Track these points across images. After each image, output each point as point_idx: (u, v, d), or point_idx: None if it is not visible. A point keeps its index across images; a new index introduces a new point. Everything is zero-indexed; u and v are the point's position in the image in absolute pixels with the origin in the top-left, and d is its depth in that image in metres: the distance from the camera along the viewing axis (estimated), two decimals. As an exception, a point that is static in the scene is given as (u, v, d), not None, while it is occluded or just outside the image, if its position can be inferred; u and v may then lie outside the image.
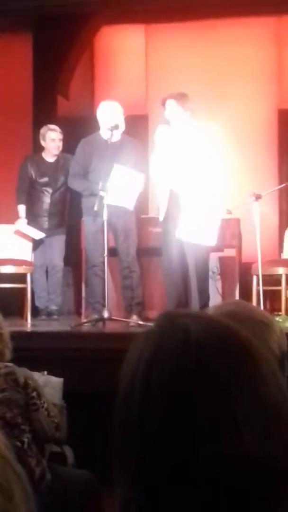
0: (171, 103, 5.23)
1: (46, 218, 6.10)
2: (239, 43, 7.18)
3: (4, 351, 2.86)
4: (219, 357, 0.82)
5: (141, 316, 5.49)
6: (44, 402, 2.83)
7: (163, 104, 5.27)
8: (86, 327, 5.33)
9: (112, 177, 5.15)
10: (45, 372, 3.59)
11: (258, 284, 5.32)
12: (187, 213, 5.05)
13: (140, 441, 0.81)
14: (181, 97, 5.24)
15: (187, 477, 0.78)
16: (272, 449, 0.79)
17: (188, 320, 0.84)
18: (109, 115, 5.48)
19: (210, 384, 0.80)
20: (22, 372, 2.77)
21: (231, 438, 0.78)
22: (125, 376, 0.84)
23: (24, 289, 5.83)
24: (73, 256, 6.27)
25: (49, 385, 3.47)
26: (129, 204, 5.28)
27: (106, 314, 5.15)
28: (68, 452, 3.28)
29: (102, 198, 5.17)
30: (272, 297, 5.68)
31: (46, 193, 6.11)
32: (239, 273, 5.97)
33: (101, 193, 5.18)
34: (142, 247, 5.70)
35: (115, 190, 5.17)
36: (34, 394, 2.78)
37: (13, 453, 0.74)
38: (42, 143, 6.12)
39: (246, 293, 5.69)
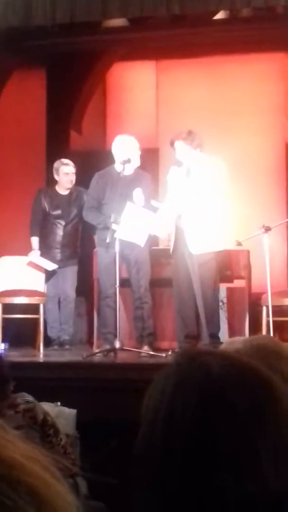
0: (179, 145, 5.32)
1: (58, 250, 6.21)
2: (247, 78, 7.34)
3: None
4: (241, 394, 0.82)
5: (152, 347, 5.56)
6: (61, 440, 2.83)
7: (172, 145, 5.38)
8: (98, 357, 5.40)
9: (125, 214, 5.28)
10: (59, 403, 3.66)
11: (267, 315, 5.39)
12: (192, 230, 5.16)
13: (162, 475, 0.81)
14: (188, 136, 5.31)
15: (209, 511, 0.78)
16: None
17: (209, 358, 0.86)
18: (123, 149, 5.61)
19: (232, 421, 0.81)
20: (41, 409, 2.78)
21: (253, 474, 0.79)
22: (147, 413, 0.85)
23: (37, 320, 5.92)
24: (86, 287, 6.37)
25: (62, 416, 3.53)
26: (140, 240, 5.39)
27: (117, 345, 5.23)
28: (81, 483, 3.33)
29: (114, 231, 5.29)
30: (281, 328, 5.74)
31: (59, 225, 6.23)
32: (249, 303, 6.04)
33: (113, 226, 5.30)
34: (154, 278, 5.79)
35: (127, 226, 5.29)
36: (51, 431, 2.77)
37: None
38: (56, 177, 6.26)
39: (255, 324, 5.76)
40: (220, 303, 5.85)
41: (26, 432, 2.69)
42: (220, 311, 5.76)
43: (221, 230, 5.34)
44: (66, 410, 3.68)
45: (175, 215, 5.30)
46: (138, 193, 5.47)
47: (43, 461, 0.61)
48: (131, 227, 5.32)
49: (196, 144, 5.33)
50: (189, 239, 5.20)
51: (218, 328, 5.46)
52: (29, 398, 2.80)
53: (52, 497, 0.58)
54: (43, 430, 2.74)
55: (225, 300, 6.12)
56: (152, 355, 5.30)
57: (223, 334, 5.67)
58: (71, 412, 3.70)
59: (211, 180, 5.24)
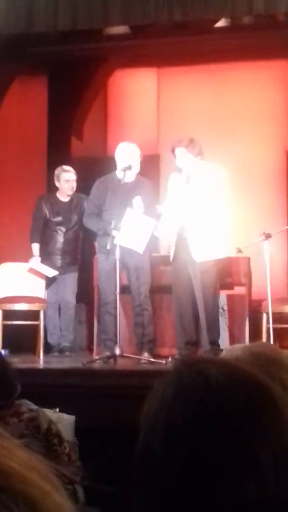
0: (180, 151, 5.33)
1: (59, 257, 6.22)
2: (248, 85, 7.36)
3: None
4: (240, 402, 0.82)
5: (152, 353, 5.56)
6: (65, 448, 2.79)
7: (173, 152, 5.39)
8: (98, 364, 5.39)
9: (124, 221, 5.28)
10: (57, 409, 3.65)
11: (268, 322, 5.39)
12: (195, 238, 5.17)
13: (162, 481, 0.81)
14: (189, 144, 5.32)
15: None
16: None
17: (208, 366, 0.86)
18: (124, 156, 5.62)
19: (231, 428, 0.81)
20: (45, 418, 2.73)
21: (254, 483, 0.78)
22: (146, 419, 0.85)
23: (37, 326, 5.91)
24: (86, 293, 6.37)
25: (61, 422, 3.51)
26: (139, 247, 5.39)
27: (117, 351, 5.22)
28: (79, 489, 3.31)
29: (114, 237, 5.29)
30: (281, 335, 5.75)
31: (59, 232, 6.24)
32: (249, 310, 6.04)
33: (114, 232, 5.31)
34: (154, 284, 5.79)
35: (127, 233, 5.29)
36: (56, 440, 2.73)
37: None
38: (57, 183, 6.27)
39: (255, 331, 5.75)
40: (221, 310, 5.85)
41: (29, 442, 2.65)
42: (221, 318, 5.76)
43: (222, 237, 5.35)
44: (65, 416, 3.67)
45: (175, 222, 5.31)
46: (137, 201, 5.48)
47: (41, 469, 0.60)
48: (131, 233, 5.32)
49: (197, 151, 5.34)
50: (192, 247, 5.21)
51: (218, 335, 5.46)
52: (33, 406, 2.76)
53: (50, 507, 0.58)
54: (47, 440, 2.70)
55: (225, 307, 6.12)
56: (152, 361, 5.30)
57: (224, 341, 5.67)
58: (69, 419, 3.69)
59: (211, 187, 5.25)
